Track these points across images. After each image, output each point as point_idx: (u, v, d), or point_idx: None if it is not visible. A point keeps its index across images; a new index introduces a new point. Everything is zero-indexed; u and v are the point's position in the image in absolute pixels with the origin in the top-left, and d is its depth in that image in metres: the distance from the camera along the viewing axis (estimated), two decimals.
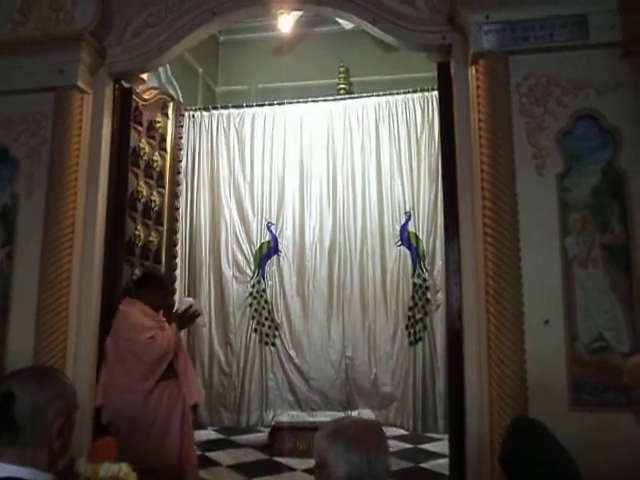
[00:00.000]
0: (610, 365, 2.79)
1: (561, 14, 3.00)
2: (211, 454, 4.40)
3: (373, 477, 1.21)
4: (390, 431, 4.93)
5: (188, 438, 2.94)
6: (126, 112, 3.79)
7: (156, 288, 3.01)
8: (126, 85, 3.79)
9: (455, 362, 3.13)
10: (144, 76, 3.94)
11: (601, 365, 2.81)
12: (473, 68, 3.14)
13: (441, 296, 4.59)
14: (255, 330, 5.13)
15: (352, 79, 6.58)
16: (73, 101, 3.44)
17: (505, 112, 3.01)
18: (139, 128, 4.03)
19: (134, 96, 3.89)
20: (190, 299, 3.19)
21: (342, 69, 6.46)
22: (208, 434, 5.00)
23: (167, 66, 5.52)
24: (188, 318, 2.98)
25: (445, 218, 3.35)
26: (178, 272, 4.83)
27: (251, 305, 5.16)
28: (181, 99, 5.78)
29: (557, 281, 2.90)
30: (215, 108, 5.52)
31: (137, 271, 3.84)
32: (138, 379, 2.77)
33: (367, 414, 4.57)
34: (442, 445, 4.28)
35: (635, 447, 2.17)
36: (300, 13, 5.46)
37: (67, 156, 3.39)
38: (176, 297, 3.16)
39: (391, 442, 4.72)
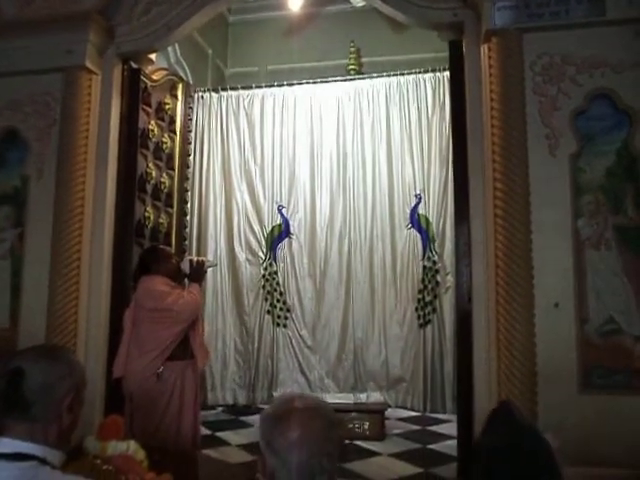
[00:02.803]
0: (621, 348, 2.77)
1: None
2: (220, 434, 4.45)
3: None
4: (399, 412, 4.98)
5: (197, 419, 2.97)
6: (135, 93, 3.78)
7: (162, 258, 3.00)
8: (135, 66, 3.77)
9: (464, 344, 3.12)
10: (153, 57, 3.91)
11: (612, 348, 2.79)
12: (486, 46, 3.08)
13: (451, 278, 4.56)
14: (268, 312, 5.16)
15: (363, 59, 6.49)
16: (81, 82, 3.44)
17: (518, 91, 2.95)
18: (148, 109, 4.02)
19: (143, 77, 3.87)
20: (187, 257, 3.21)
21: (353, 49, 6.37)
22: (217, 415, 5.06)
23: (176, 47, 5.47)
24: (198, 269, 3.00)
25: (455, 200, 3.32)
26: (187, 254, 4.86)
27: (264, 287, 5.18)
28: (190, 80, 5.75)
29: (568, 263, 2.87)
30: (224, 89, 5.47)
31: None
32: (160, 348, 2.75)
33: (376, 396, 4.58)
34: (450, 426, 4.29)
35: None
36: None
37: (75, 137, 3.40)
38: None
39: (399, 424, 4.80)
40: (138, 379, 2.72)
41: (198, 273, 3.00)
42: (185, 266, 3.02)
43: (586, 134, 2.92)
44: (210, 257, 5.05)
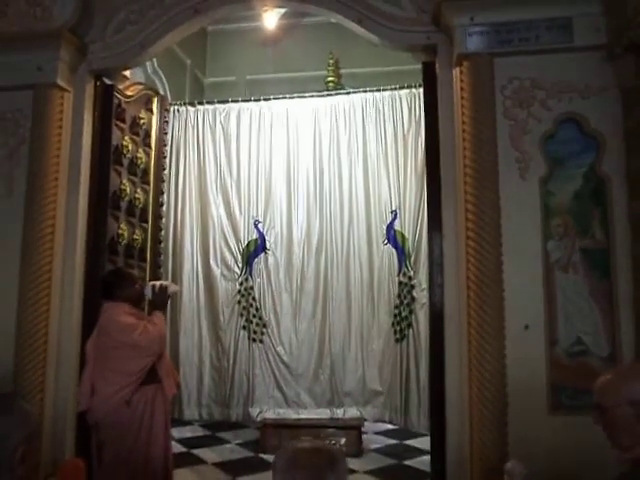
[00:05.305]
0: (588, 369, 2.82)
1: (546, 17, 2.98)
2: (196, 451, 4.40)
3: None
4: (377, 426, 4.99)
5: (168, 442, 2.93)
6: (108, 109, 3.73)
7: (125, 283, 2.95)
8: (108, 82, 3.73)
9: (436, 362, 3.14)
10: (127, 73, 3.89)
11: (580, 369, 2.84)
12: (457, 69, 3.12)
13: (426, 294, 4.59)
14: (244, 327, 5.13)
15: (341, 71, 6.51)
16: (52, 99, 3.38)
17: (489, 115, 2.99)
18: (122, 125, 3.98)
19: (116, 93, 3.83)
20: (150, 283, 3.15)
21: (331, 61, 6.39)
22: (194, 429, 5.01)
23: (153, 58, 5.44)
24: (161, 295, 2.96)
25: (429, 219, 3.34)
26: (162, 270, 4.82)
27: (239, 303, 5.16)
28: (168, 91, 5.71)
29: (538, 285, 2.91)
30: (201, 103, 5.44)
31: None
32: (129, 380, 2.72)
33: (352, 412, 4.58)
34: (427, 440, 4.30)
35: (611, 451, 2.20)
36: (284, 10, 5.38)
37: (47, 156, 3.35)
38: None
39: (377, 438, 4.81)
40: (104, 409, 2.68)
41: (161, 299, 2.96)
42: (148, 291, 2.98)
43: (555, 158, 2.97)
44: (186, 268, 5.07)
